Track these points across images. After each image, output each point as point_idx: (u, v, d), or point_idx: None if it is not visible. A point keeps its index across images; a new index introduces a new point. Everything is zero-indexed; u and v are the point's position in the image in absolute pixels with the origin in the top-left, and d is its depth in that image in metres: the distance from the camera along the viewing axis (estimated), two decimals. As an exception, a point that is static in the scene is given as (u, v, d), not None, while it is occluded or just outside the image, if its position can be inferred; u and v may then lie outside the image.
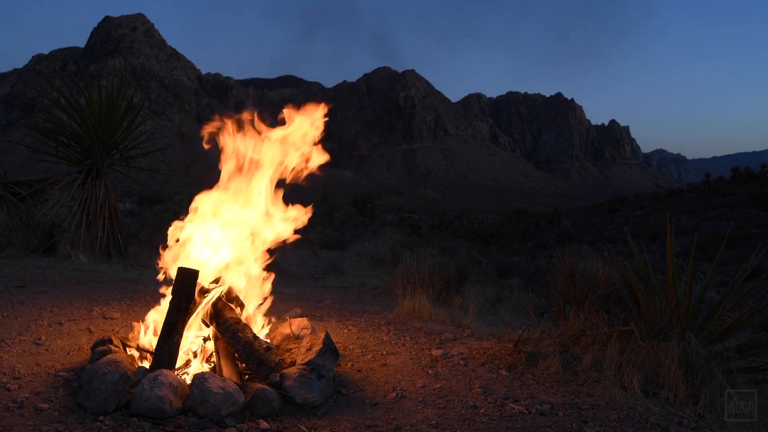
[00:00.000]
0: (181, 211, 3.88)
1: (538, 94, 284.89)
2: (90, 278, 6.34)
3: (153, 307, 3.78)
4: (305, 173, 4.01)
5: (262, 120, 3.96)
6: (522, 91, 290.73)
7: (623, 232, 17.77)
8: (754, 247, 3.77)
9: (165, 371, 2.88)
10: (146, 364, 3.20)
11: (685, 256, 4.15)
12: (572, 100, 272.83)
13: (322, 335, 3.41)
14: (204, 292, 3.44)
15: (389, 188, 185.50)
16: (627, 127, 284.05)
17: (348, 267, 9.71)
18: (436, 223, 51.49)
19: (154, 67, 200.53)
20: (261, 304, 3.97)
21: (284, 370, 3.18)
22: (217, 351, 3.36)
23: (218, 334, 3.42)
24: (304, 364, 3.18)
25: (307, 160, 3.99)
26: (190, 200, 3.91)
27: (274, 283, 4.10)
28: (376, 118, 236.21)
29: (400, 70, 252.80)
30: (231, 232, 3.80)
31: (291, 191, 4.04)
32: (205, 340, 3.48)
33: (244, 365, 3.27)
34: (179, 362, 3.26)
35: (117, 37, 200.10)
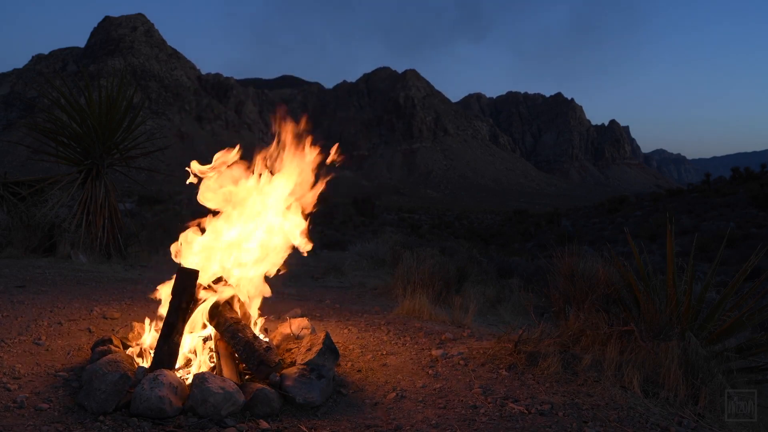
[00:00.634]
0: (181, 211, 3.87)
1: (538, 94, 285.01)
2: (90, 278, 6.34)
3: (153, 307, 3.78)
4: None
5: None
6: (522, 91, 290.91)
7: (623, 232, 17.77)
8: (754, 247, 3.77)
9: (165, 371, 2.88)
10: (146, 364, 3.20)
11: (685, 256, 4.15)
12: (572, 100, 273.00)
13: (322, 335, 3.41)
14: (204, 292, 3.44)
15: (389, 188, 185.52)
16: (627, 127, 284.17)
17: (348, 267, 9.70)
18: (436, 223, 51.48)
19: (154, 67, 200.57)
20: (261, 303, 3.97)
21: (284, 370, 3.18)
22: (217, 351, 3.36)
23: (218, 334, 3.42)
24: (304, 364, 3.18)
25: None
26: (190, 201, 3.91)
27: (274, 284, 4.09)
28: (376, 118, 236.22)
29: (400, 70, 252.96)
30: (239, 232, 3.79)
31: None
32: (205, 340, 3.48)
33: (244, 365, 3.27)
34: (179, 362, 3.26)
35: (117, 37, 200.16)
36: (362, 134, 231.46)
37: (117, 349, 3.29)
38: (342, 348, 4.00)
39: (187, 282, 3.28)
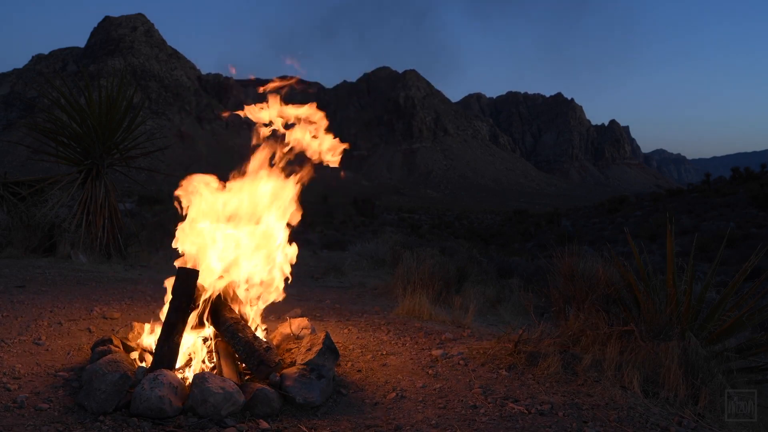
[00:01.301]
0: (181, 211, 3.86)
1: (538, 94, 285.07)
2: (90, 278, 6.34)
3: (153, 307, 3.78)
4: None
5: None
6: (522, 91, 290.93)
7: (623, 232, 17.77)
8: (754, 247, 3.77)
9: (165, 371, 2.88)
10: (146, 364, 3.20)
11: (685, 256, 4.15)
12: (572, 100, 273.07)
13: (322, 335, 3.40)
14: (204, 291, 3.43)
15: (389, 188, 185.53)
16: (627, 127, 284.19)
17: (348, 267, 9.70)
18: (436, 223, 51.49)
19: (154, 67, 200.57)
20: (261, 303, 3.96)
21: (284, 370, 3.18)
22: (217, 351, 3.36)
23: (218, 334, 3.42)
24: (304, 364, 3.18)
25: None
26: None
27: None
28: (376, 118, 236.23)
29: (400, 70, 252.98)
30: (240, 234, 3.79)
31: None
32: (205, 340, 3.47)
33: (244, 365, 3.27)
34: (179, 362, 3.26)
35: (117, 37, 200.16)
36: (362, 134, 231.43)
37: (117, 349, 3.29)
38: (342, 348, 4.00)
39: (187, 282, 3.28)
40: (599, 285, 3.82)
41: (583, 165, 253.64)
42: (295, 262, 3.94)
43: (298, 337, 3.75)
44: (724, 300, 3.67)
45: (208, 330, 3.49)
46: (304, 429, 2.72)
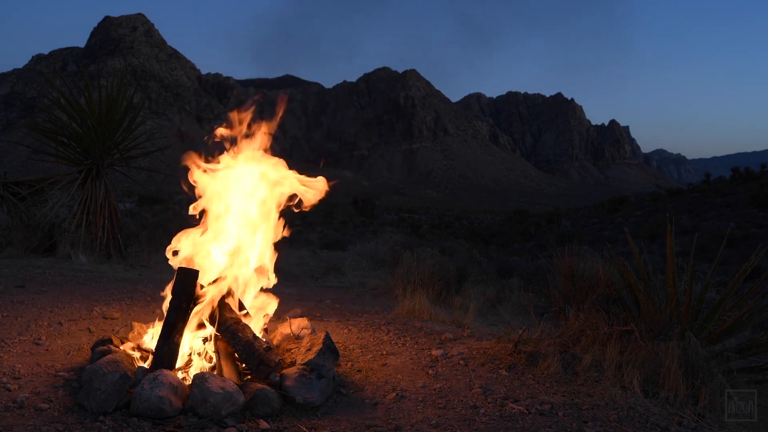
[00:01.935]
0: (181, 211, 3.86)
1: (538, 94, 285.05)
2: (90, 278, 6.34)
3: (153, 307, 3.78)
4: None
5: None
6: (522, 91, 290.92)
7: (623, 232, 17.77)
8: (754, 247, 3.77)
9: (165, 371, 2.88)
10: (146, 364, 3.20)
11: (685, 256, 4.15)
12: (572, 100, 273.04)
13: (322, 335, 3.41)
14: (204, 291, 3.43)
15: (389, 188, 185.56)
16: (627, 127, 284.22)
17: (348, 267, 9.70)
18: (436, 223, 51.48)
19: (154, 67, 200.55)
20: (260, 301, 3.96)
21: (284, 370, 3.18)
22: (217, 351, 3.36)
23: (218, 334, 3.42)
24: (304, 364, 3.18)
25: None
26: (190, 201, 3.91)
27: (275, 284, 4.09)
28: (376, 118, 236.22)
29: (400, 70, 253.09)
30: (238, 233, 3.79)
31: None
32: (205, 340, 3.47)
33: (244, 365, 3.27)
34: (179, 362, 3.26)
35: (117, 37, 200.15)
36: (362, 134, 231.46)
37: (117, 349, 3.29)
38: (342, 348, 4.00)
39: (187, 282, 3.28)
40: (599, 285, 3.82)
41: (583, 165, 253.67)
42: (295, 260, 3.94)
43: (298, 337, 3.75)
44: (724, 300, 3.67)
45: (208, 330, 3.49)
46: (304, 429, 2.72)
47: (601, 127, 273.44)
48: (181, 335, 3.23)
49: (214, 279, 3.58)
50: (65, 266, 7.04)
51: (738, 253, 17.89)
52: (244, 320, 3.50)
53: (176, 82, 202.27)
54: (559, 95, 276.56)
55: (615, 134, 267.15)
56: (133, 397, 2.73)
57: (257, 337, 3.35)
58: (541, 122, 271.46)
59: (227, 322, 3.36)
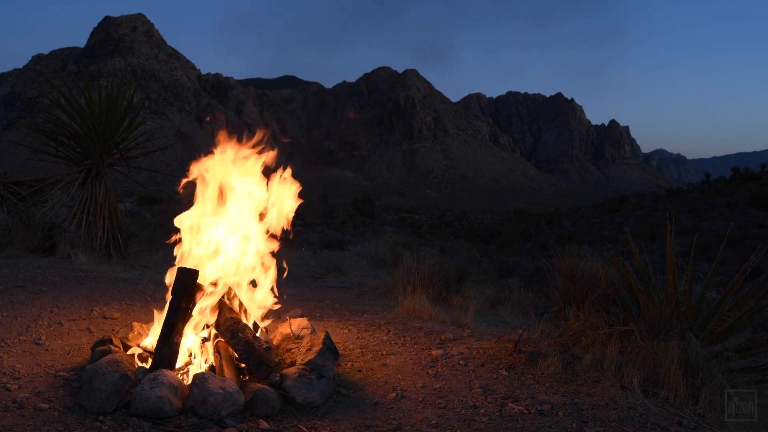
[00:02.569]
0: (181, 211, 3.87)
1: (538, 94, 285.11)
2: (90, 278, 6.34)
3: (153, 307, 3.78)
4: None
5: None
6: (522, 91, 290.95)
7: (623, 232, 17.77)
8: (754, 247, 3.77)
9: (165, 371, 2.88)
10: (146, 364, 3.20)
11: (685, 256, 4.15)
12: (572, 100, 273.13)
13: (322, 335, 3.41)
14: (204, 291, 3.43)
15: (389, 188, 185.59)
16: (627, 127, 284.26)
17: (348, 267, 9.70)
18: (436, 223, 51.46)
19: (154, 67, 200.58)
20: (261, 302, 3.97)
21: (284, 370, 3.18)
22: (217, 351, 3.36)
23: (218, 334, 3.42)
24: (304, 364, 3.18)
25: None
26: (190, 201, 3.91)
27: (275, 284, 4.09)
28: (376, 118, 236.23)
29: (400, 70, 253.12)
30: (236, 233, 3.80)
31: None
32: (205, 340, 3.47)
33: (244, 365, 3.27)
34: (179, 362, 3.26)
35: (117, 37, 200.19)
36: (362, 134, 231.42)
37: (117, 349, 3.29)
38: (342, 348, 4.00)
39: (187, 282, 3.28)
40: (599, 285, 3.82)
41: (583, 165, 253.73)
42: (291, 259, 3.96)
43: (298, 337, 3.75)
44: (724, 300, 3.67)
45: (208, 330, 3.49)
46: (304, 429, 2.72)
47: (601, 127, 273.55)
48: (181, 335, 3.23)
49: (214, 280, 3.59)
50: (65, 266, 7.04)
51: (738, 253, 17.90)
52: (244, 320, 3.51)
53: (176, 82, 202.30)
54: (559, 95, 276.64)
55: (615, 134, 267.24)
56: (133, 397, 2.73)
57: (257, 337, 3.35)
58: (541, 122, 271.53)
59: (227, 322, 3.36)
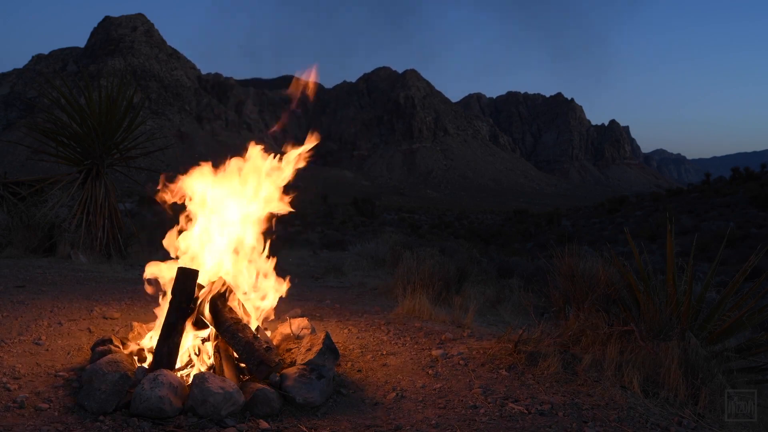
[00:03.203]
0: (181, 211, 3.88)
1: (538, 94, 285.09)
2: (90, 278, 6.34)
3: (153, 307, 3.78)
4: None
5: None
6: (522, 91, 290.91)
7: (623, 232, 17.77)
8: (754, 247, 3.77)
9: (165, 371, 2.88)
10: (146, 364, 3.20)
11: (685, 256, 4.15)
12: (572, 100, 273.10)
13: (322, 335, 3.40)
14: (203, 291, 3.44)
15: (389, 188, 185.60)
16: (627, 127, 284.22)
17: (348, 267, 9.70)
18: (436, 223, 51.47)
19: (154, 67, 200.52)
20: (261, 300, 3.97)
21: (284, 370, 3.18)
22: (217, 351, 3.36)
23: (218, 334, 3.42)
24: (304, 364, 3.18)
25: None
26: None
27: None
28: (376, 118, 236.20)
29: (400, 70, 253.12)
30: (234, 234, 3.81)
31: (291, 187, 4.07)
32: (205, 340, 3.47)
33: (244, 365, 3.27)
34: (179, 362, 3.26)
35: (117, 37, 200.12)
36: (362, 134, 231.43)
37: (117, 349, 3.29)
38: (342, 348, 4.00)
39: (186, 282, 3.27)
40: (599, 285, 3.82)
41: (583, 165, 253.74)
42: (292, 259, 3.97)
43: (298, 337, 3.75)
44: (724, 300, 3.67)
45: (208, 330, 3.49)
46: (304, 429, 2.72)
47: (601, 127, 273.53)
48: (180, 335, 3.22)
49: (213, 279, 3.59)
50: (65, 266, 7.04)
51: (738, 253, 17.90)
52: (244, 320, 3.51)
53: (176, 82, 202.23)
54: (559, 95, 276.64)
55: (615, 134, 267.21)
56: (133, 397, 2.73)
57: (257, 337, 3.35)
58: (541, 122, 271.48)
59: (227, 322, 3.36)
